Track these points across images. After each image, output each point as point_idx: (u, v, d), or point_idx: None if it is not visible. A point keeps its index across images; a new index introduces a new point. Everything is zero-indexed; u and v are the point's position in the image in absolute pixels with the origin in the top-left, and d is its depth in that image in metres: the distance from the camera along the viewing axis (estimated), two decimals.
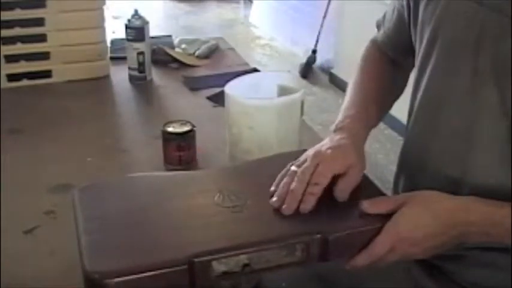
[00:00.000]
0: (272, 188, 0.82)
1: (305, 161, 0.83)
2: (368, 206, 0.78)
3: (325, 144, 0.85)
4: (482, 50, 0.80)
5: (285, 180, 0.81)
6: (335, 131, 0.88)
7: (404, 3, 0.95)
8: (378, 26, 1.07)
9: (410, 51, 0.96)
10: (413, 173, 0.94)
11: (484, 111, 0.81)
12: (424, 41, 0.89)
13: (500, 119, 0.80)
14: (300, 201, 0.78)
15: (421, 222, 0.77)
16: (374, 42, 1.07)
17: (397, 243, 0.76)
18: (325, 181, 0.79)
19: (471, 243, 0.80)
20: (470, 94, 0.82)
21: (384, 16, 1.05)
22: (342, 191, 0.80)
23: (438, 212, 0.78)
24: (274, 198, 0.80)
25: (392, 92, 1.03)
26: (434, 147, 0.88)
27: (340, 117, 0.91)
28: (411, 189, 0.84)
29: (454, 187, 0.84)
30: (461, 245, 0.80)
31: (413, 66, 0.96)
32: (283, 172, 0.83)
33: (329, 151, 0.83)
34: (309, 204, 0.78)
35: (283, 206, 0.78)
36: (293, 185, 0.79)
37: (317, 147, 0.85)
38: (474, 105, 0.82)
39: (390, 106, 1.03)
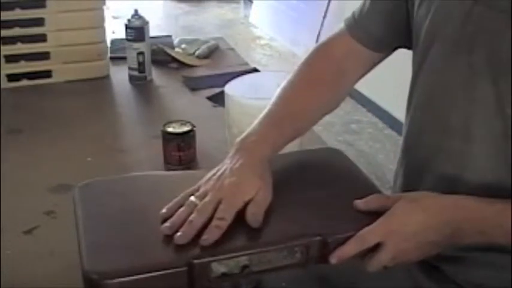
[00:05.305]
0: (163, 211, 0.78)
1: (205, 194, 0.79)
2: (361, 204, 0.80)
3: (225, 170, 0.82)
4: (478, 47, 0.80)
5: (182, 209, 0.77)
6: (236, 150, 0.85)
7: None
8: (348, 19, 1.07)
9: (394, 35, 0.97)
10: (412, 169, 0.95)
11: (479, 108, 0.82)
12: (421, 38, 0.89)
13: (496, 115, 0.80)
14: (199, 232, 0.74)
15: (413, 217, 0.77)
16: (323, 45, 1.06)
17: (388, 236, 0.76)
18: (230, 217, 0.75)
19: (467, 243, 0.80)
20: (465, 90, 0.83)
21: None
22: (254, 215, 0.77)
23: (430, 208, 0.78)
24: (167, 224, 0.75)
25: (327, 105, 1.01)
26: (432, 144, 0.89)
27: (246, 133, 0.88)
28: (410, 183, 0.85)
29: (452, 183, 0.85)
30: (457, 245, 0.81)
31: (386, 53, 0.99)
32: (178, 199, 0.80)
33: (229, 186, 0.79)
34: (214, 236, 0.73)
35: (178, 234, 0.73)
36: (192, 216, 0.75)
37: (217, 174, 0.81)
38: (470, 102, 0.82)
39: (319, 118, 1.00)
